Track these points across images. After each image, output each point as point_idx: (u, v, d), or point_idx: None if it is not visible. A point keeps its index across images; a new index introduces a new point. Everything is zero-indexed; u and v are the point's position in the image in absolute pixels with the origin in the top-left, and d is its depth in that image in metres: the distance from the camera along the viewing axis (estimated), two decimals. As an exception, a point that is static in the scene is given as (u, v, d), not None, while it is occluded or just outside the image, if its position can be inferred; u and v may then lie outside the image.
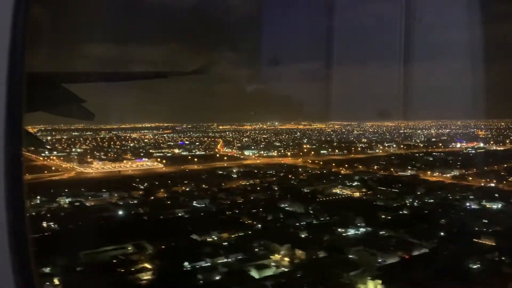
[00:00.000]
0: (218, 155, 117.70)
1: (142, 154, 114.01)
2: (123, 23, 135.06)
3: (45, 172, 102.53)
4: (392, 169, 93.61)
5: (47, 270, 54.32)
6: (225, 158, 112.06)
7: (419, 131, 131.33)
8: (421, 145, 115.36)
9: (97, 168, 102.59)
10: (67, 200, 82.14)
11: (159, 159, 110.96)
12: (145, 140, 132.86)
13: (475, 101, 77.41)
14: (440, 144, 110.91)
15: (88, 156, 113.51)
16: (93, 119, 7.90)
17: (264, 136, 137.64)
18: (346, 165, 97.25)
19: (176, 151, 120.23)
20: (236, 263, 57.47)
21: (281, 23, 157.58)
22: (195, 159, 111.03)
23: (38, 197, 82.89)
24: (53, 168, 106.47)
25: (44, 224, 71.40)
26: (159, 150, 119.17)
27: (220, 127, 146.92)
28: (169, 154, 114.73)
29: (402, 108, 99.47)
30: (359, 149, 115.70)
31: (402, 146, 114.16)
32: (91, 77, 8.54)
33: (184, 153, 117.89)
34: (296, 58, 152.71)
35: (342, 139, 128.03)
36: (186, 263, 58.14)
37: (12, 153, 4.13)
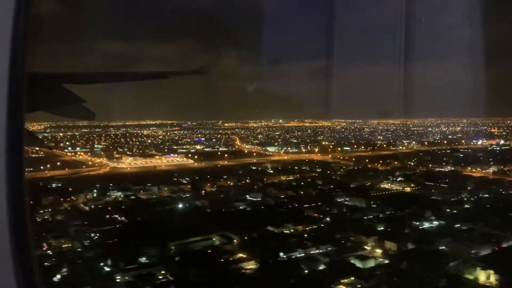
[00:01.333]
0: (243, 151, 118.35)
1: (166, 150, 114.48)
2: (134, 20, 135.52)
3: (83, 167, 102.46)
4: (429, 165, 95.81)
5: (144, 260, 57.77)
6: (254, 154, 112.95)
7: (429, 129, 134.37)
8: (440, 142, 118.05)
9: (129, 163, 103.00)
10: (120, 194, 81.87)
11: (187, 155, 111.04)
12: (160, 137, 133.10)
13: (479, 99, 79.30)
14: (463, 141, 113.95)
15: (115, 152, 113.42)
16: (93, 118, 8.10)
17: (276, 133, 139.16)
18: (381, 161, 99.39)
19: (198, 147, 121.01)
20: (333, 254, 59.39)
21: (284, 22, 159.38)
22: (225, 155, 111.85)
23: (92, 191, 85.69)
24: (85, 163, 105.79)
25: (108, 216, 74.14)
26: (181, 146, 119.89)
27: (226, 124, 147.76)
28: (193, 150, 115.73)
29: (405, 107, 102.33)
30: (381, 146, 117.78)
31: (425, 143, 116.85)
32: (92, 78, 8.61)
33: (207, 149, 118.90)
34: (298, 56, 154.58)
35: (356, 136, 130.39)
36: (281, 254, 59.51)
37: (13, 152, 4.12)
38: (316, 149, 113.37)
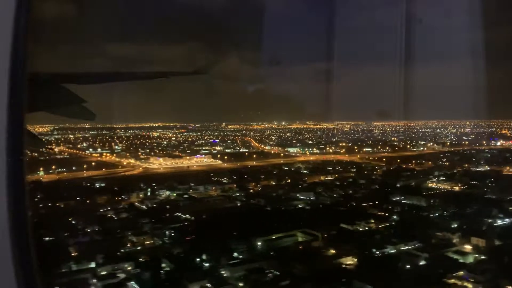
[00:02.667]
0: (266, 152, 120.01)
1: (189, 151, 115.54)
2: (142, 22, 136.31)
3: (119, 167, 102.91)
4: (464, 165, 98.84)
5: (236, 255, 59.94)
6: (281, 155, 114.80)
7: (438, 131, 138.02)
8: (457, 143, 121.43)
9: (159, 163, 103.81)
10: (173, 193, 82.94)
11: (215, 156, 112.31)
12: (173, 139, 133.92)
13: (481, 101, 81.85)
14: (484, 142, 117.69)
15: (139, 153, 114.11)
16: (93, 119, 8.23)
17: (287, 134, 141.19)
18: (413, 161, 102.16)
19: (218, 148, 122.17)
20: (426, 250, 60.60)
21: (286, 24, 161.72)
22: (250, 156, 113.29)
23: (141, 190, 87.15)
24: (114, 164, 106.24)
25: (169, 214, 75.73)
26: (200, 148, 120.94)
27: (229, 126, 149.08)
28: (215, 152, 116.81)
29: (407, 108, 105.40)
30: (399, 146, 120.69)
31: (447, 144, 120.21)
32: (92, 78, 8.77)
33: (228, 150, 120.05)
34: (299, 58, 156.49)
35: (369, 137, 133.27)
36: (373, 250, 60.18)
37: (14, 152, 4.19)
38: (338, 150, 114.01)
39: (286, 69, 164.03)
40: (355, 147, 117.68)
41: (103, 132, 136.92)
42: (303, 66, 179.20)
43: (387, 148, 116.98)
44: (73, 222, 70.02)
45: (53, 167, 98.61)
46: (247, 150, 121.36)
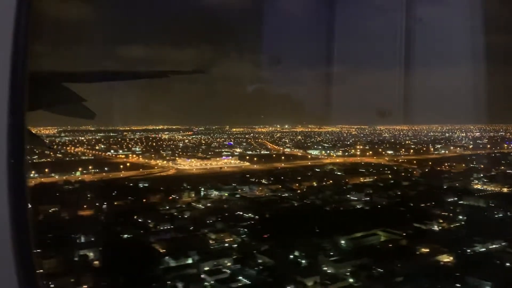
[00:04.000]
0: (291, 154, 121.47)
1: (211, 153, 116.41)
2: (153, 24, 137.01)
3: (155, 168, 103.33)
4: (501, 167, 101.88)
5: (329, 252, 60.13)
6: (309, 157, 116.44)
7: (447, 134, 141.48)
8: (476, 146, 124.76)
9: (190, 165, 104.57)
10: (224, 193, 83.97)
11: (237, 157, 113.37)
12: (185, 141, 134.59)
13: (482, 105, 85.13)
14: (505, 146, 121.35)
15: (164, 154, 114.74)
16: (93, 118, 8.22)
17: (299, 137, 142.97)
18: (446, 164, 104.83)
19: (238, 150, 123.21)
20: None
21: (286, 27, 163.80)
22: (276, 158, 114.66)
23: (189, 190, 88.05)
24: (143, 165, 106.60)
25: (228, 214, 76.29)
26: (220, 150, 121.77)
27: (234, 129, 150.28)
28: (236, 154, 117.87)
29: (410, 112, 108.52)
30: (419, 149, 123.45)
31: (469, 147, 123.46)
32: (92, 76, 8.77)
33: (249, 152, 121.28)
34: (300, 62, 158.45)
35: (383, 140, 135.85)
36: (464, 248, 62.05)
37: (15, 151, 4.33)
38: (361, 153, 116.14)
39: (289, 73, 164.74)
40: (380, 150, 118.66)
41: (111, 134, 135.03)
42: (305, 70, 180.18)
43: (411, 151, 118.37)
44: (139, 220, 69.09)
45: (90, 167, 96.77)
46: (268, 152, 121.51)
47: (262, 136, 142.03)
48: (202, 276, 56.36)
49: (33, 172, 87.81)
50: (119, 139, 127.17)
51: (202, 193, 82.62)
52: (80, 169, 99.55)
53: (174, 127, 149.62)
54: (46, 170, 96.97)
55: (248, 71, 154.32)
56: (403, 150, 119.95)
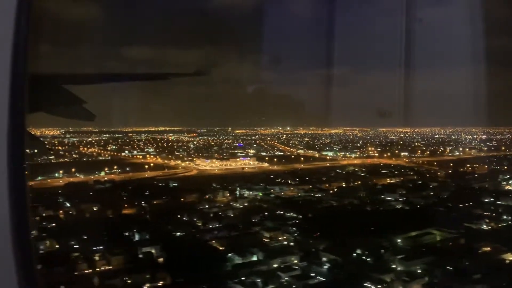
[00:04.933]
0: (309, 156, 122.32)
1: (225, 154, 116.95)
2: (160, 25, 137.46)
3: (179, 168, 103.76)
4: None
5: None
6: (327, 158, 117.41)
7: (452, 137, 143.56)
8: (489, 148, 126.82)
9: (211, 166, 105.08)
10: (259, 193, 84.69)
11: (255, 158, 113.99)
12: (194, 142, 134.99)
13: (483, 108, 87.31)
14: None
15: (180, 155, 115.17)
16: (93, 120, 8.37)
17: (306, 139, 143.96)
18: (467, 165, 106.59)
19: (251, 151, 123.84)
20: None
21: (284, 26, 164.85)
22: (296, 159, 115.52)
23: (220, 190, 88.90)
24: (163, 166, 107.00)
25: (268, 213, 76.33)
26: (234, 151, 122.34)
27: (236, 131, 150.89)
28: (251, 155, 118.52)
29: (409, 114, 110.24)
30: (433, 151, 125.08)
31: (484, 149, 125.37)
32: (92, 78, 8.96)
33: (263, 153, 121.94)
34: (300, 64, 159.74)
35: (393, 142, 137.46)
36: None
37: (15, 152, 4.39)
38: (376, 154, 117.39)
39: (290, 74, 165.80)
40: (388, 152, 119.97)
41: (116, 135, 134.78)
42: (307, 72, 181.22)
43: (427, 152, 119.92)
44: (185, 219, 69.52)
45: (115, 167, 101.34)
46: (282, 153, 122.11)
47: (269, 138, 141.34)
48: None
49: (60, 171, 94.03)
50: (127, 140, 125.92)
51: (237, 193, 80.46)
52: (106, 169, 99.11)
53: (176, 128, 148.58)
54: (73, 170, 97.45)
55: (249, 72, 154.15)
56: (419, 151, 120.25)
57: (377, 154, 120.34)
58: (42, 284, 5.15)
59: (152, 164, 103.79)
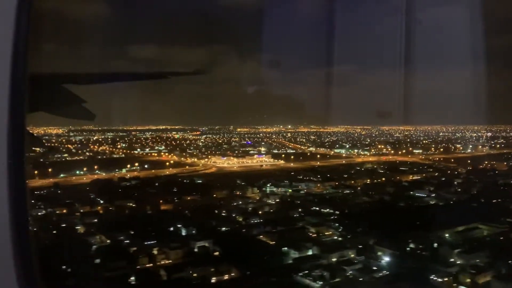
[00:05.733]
0: (320, 154, 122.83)
1: (237, 152, 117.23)
2: (165, 24, 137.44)
3: (200, 165, 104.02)
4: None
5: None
6: (343, 155, 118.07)
7: (457, 135, 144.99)
8: (500, 146, 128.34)
9: (228, 163, 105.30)
10: (288, 189, 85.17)
11: (270, 156, 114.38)
12: (201, 140, 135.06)
13: (483, 107, 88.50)
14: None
15: (193, 152, 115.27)
16: (93, 119, 8.43)
17: (312, 137, 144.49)
18: (485, 162, 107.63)
19: (263, 149, 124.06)
20: None
21: (284, 25, 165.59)
22: (318, 156, 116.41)
23: (249, 187, 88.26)
24: (179, 163, 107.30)
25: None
26: (245, 149, 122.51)
27: (238, 129, 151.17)
28: (263, 152, 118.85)
29: (410, 113, 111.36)
30: (446, 149, 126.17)
31: (496, 146, 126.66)
32: (92, 78, 8.97)
33: (275, 151, 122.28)
34: (299, 62, 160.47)
35: (399, 140, 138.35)
36: None
37: (15, 152, 4.46)
38: (389, 152, 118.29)
39: (290, 73, 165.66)
40: (400, 149, 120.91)
41: (119, 134, 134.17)
42: (307, 70, 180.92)
43: (440, 149, 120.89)
44: (223, 214, 73.32)
45: (136, 164, 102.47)
46: (294, 151, 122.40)
47: (274, 136, 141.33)
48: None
49: (84, 169, 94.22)
50: (134, 139, 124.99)
51: (267, 190, 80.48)
52: (128, 166, 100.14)
53: (176, 127, 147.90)
54: (96, 167, 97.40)
55: (250, 71, 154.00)
56: (432, 149, 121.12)
57: (392, 152, 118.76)
58: (42, 284, 5.22)
59: (172, 162, 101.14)
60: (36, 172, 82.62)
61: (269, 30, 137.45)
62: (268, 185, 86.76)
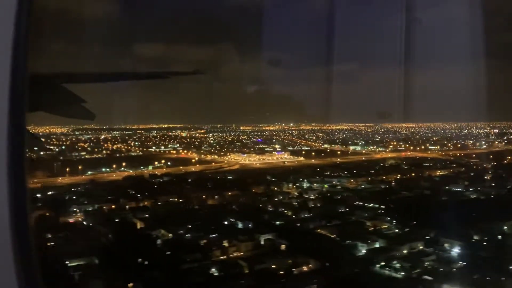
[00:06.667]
0: (335, 150, 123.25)
1: (252, 149, 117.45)
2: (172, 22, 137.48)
3: (224, 162, 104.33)
4: None
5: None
6: (363, 152, 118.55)
7: (464, 131, 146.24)
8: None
9: (249, 160, 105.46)
10: (324, 185, 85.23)
11: (289, 153, 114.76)
12: (211, 138, 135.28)
13: (483, 103, 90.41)
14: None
15: (212, 150, 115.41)
16: (93, 119, 8.40)
17: (320, 134, 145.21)
18: (508, 157, 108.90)
19: (277, 146, 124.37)
20: None
21: (284, 25, 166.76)
22: (338, 153, 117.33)
23: (281, 182, 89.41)
24: (202, 160, 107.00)
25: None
26: (259, 146, 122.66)
27: (241, 127, 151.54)
28: (279, 149, 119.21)
29: (412, 110, 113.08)
30: (457, 145, 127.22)
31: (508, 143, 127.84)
32: (91, 77, 9.00)
33: (290, 148, 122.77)
34: (298, 61, 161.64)
35: (408, 137, 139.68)
36: None
37: (15, 152, 4.34)
38: (405, 148, 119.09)
39: (291, 72, 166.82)
40: (424, 146, 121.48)
41: (125, 132, 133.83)
42: (308, 70, 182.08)
43: (458, 145, 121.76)
44: (270, 209, 74.55)
45: (165, 162, 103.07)
46: (309, 148, 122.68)
47: (281, 134, 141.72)
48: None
49: (113, 166, 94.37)
50: (143, 137, 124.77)
51: (304, 185, 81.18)
52: (156, 163, 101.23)
53: (178, 125, 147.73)
54: (124, 164, 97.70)
55: (252, 70, 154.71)
56: (449, 145, 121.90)
57: (409, 148, 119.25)
58: (42, 284, 5.07)
59: (195, 159, 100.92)
60: (67, 169, 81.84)
61: (272, 30, 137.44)
62: (305, 181, 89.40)
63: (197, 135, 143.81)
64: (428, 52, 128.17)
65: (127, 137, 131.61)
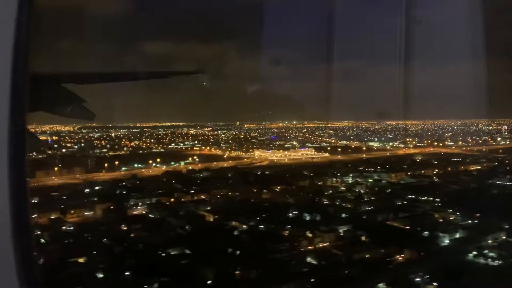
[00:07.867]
0: (357, 147, 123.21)
1: (271, 146, 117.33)
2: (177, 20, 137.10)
3: (255, 158, 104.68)
4: None
5: None
6: (387, 148, 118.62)
7: (473, 128, 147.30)
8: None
9: (276, 156, 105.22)
10: (368, 179, 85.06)
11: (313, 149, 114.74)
12: (222, 136, 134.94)
13: (483, 100, 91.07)
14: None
15: (233, 146, 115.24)
16: (93, 119, 8.47)
17: (329, 131, 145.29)
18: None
19: (295, 143, 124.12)
20: None
21: (284, 25, 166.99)
22: (363, 149, 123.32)
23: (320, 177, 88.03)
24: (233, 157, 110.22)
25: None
26: (278, 143, 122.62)
27: (245, 125, 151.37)
28: (298, 146, 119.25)
29: (413, 108, 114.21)
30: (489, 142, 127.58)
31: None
32: (91, 77, 9.10)
33: (309, 144, 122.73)
34: (299, 59, 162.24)
35: (418, 134, 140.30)
36: None
37: (16, 151, 4.36)
38: (423, 145, 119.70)
39: (291, 71, 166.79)
40: (445, 142, 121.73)
41: (131, 130, 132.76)
42: (308, 68, 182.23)
43: (478, 141, 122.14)
44: (326, 202, 74.67)
45: (193, 158, 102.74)
46: (327, 144, 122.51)
47: (290, 131, 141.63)
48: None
49: (149, 162, 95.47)
50: (154, 134, 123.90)
51: (349, 180, 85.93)
52: (189, 159, 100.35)
53: (181, 124, 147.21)
54: (158, 160, 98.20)
55: (253, 68, 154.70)
56: (471, 140, 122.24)
57: (435, 144, 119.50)
58: (42, 284, 5.09)
59: (227, 155, 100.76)
60: (105, 165, 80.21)
61: (274, 29, 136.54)
62: (350, 175, 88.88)
63: (206, 132, 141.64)
64: (428, 51, 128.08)
65: (138, 135, 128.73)
